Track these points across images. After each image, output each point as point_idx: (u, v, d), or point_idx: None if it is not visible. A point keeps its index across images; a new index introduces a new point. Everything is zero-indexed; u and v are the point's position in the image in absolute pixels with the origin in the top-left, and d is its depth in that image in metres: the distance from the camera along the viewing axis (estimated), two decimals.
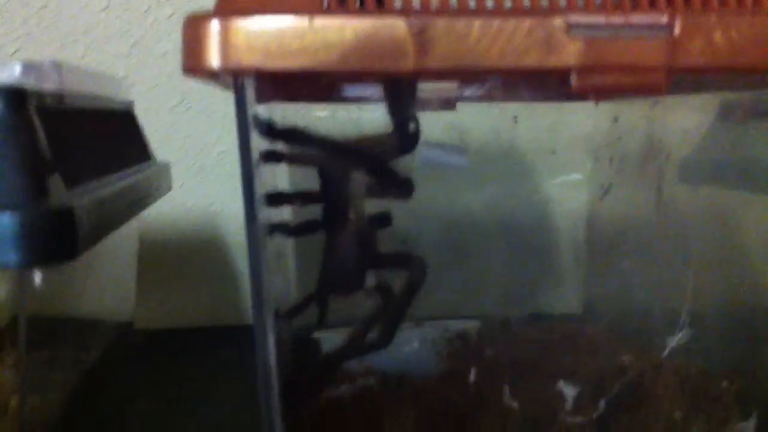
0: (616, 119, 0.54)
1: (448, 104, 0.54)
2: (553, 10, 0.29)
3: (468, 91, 0.53)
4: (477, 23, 0.28)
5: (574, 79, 0.29)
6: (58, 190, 0.31)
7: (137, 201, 0.42)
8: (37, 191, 0.30)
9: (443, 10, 0.29)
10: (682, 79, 0.42)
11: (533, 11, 0.29)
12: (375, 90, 0.42)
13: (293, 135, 0.34)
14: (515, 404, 0.41)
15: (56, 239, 0.29)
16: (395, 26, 0.28)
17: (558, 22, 0.28)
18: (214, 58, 0.29)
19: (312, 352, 0.47)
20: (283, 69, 0.29)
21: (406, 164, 0.46)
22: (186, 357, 0.62)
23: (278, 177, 0.51)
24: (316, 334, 0.51)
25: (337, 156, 0.37)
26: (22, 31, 0.70)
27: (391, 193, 0.38)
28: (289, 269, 0.53)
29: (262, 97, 0.39)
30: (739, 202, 0.46)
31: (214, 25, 0.29)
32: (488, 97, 0.54)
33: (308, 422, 0.40)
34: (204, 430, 0.50)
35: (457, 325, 0.53)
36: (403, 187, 0.38)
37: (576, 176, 0.59)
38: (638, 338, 0.48)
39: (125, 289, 0.52)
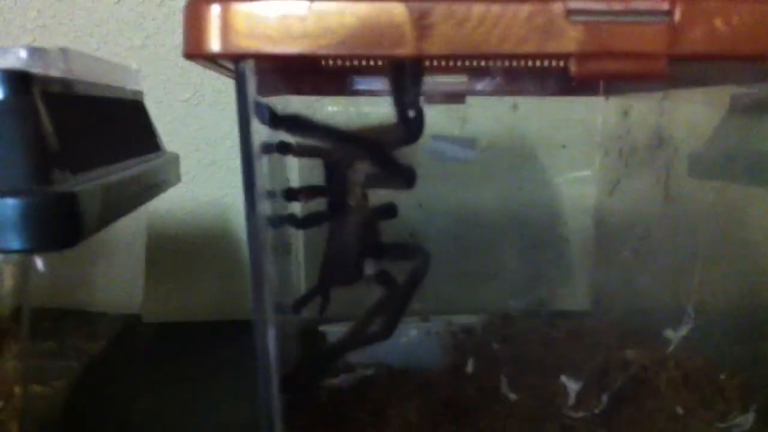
0: (625, 113, 0.54)
1: (458, 98, 0.54)
2: None
3: (477, 85, 0.53)
4: (476, 8, 0.28)
5: (573, 66, 0.28)
6: (61, 175, 0.31)
7: (144, 191, 0.41)
8: (40, 176, 0.30)
9: None
10: (691, 71, 0.42)
11: None
12: (382, 83, 0.42)
13: (295, 123, 0.34)
14: (513, 395, 0.40)
15: (59, 225, 0.29)
16: (395, 11, 0.28)
17: (558, 7, 0.28)
18: (214, 43, 0.29)
19: (316, 344, 0.47)
20: (284, 53, 0.29)
21: (414, 156, 0.47)
22: (194, 350, 0.63)
23: (291, 171, 0.51)
24: (323, 327, 0.51)
25: (339, 145, 0.37)
26: (36, 23, 0.70)
27: (393, 183, 0.38)
28: (299, 262, 0.53)
29: (269, 90, 0.39)
30: (745, 196, 0.46)
31: (215, 10, 0.29)
32: (497, 91, 0.54)
33: (309, 412, 0.40)
34: (210, 421, 0.51)
35: (462, 320, 0.53)
36: (406, 177, 0.37)
37: (585, 172, 0.58)
38: (644, 333, 0.48)
39: (133, 282, 0.52)
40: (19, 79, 0.31)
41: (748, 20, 0.28)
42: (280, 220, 0.45)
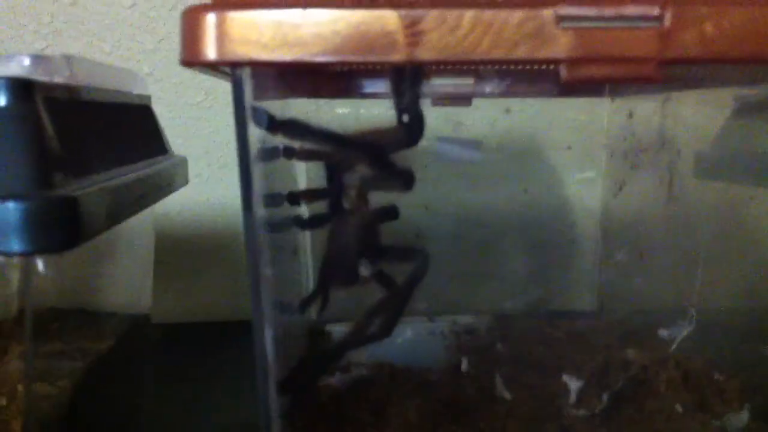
0: (630, 114, 0.54)
1: (464, 100, 0.55)
2: (543, 1, 0.29)
3: (483, 88, 0.53)
4: (468, 15, 0.28)
5: (564, 71, 0.29)
6: (63, 179, 0.32)
7: (149, 193, 0.42)
8: (42, 181, 0.31)
9: (436, 2, 0.29)
10: (693, 73, 0.42)
11: (524, 2, 0.29)
12: (385, 85, 0.42)
13: (292, 127, 0.34)
14: (513, 395, 0.41)
15: (59, 227, 0.30)
16: (387, 18, 0.28)
17: (548, 13, 0.28)
18: (210, 50, 0.29)
19: (317, 343, 0.47)
20: (278, 60, 0.29)
21: (420, 158, 0.47)
22: (203, 351, 0.63)
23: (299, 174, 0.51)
24: (329, 326, 0.52)
25: (336, 148, 0.38)
26: (50, 28, 0.71)
27: (392, 185, 0.39)
28: (307, 262, 0.54)
29: (274, 93, 0.39)
30: (749, 197, 0.46)
31: (211, 18, 0.29)
32: (503, 94, 0.55)
33: (309, 412, 0.40)
34: (216, 421, 0.51)
35: (466, 320, 0.53)
36: (404, 179, 0.38)
37: (591, 174, 0.58)
38: (646, 333, 0.48)
39: (141, 283, 0.52)
40: (22, 87, 0.31)
41: (737, 24, 0.28)
42: (286, 222, 0.46)
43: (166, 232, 0.73)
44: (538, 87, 0.54)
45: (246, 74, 0.31)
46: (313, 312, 0.42)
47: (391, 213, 0.42)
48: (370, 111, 0.55)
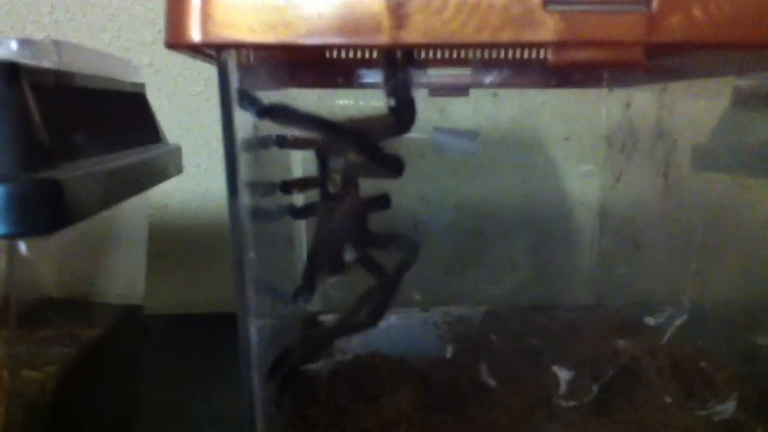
0: (628, 105, 0.53)
1: (461, 90, 0.54)
2: None
3: (480, 78, 0.53)
4: None
5: (550, 55, 0.28)
6: (48, 163, 0.31)
7: (139, 180, 0.42)
8: (27, 164, 0.30)
9: None
10: (691, 62, 0.41)
11: None
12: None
13: (280, 113, 0.34)
14: (504, 385, 0.41)
15: (42, 211, 0.30)
16: (372, 0, 0.28)
17: None
18: (195, 33, 0.29)
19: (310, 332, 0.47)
20: (263, 43, 0.29)
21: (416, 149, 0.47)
22: (203, 341, 0.63)
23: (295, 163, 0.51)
24: (322, 317, 0.52)
25: (324, 134, 0.37)
26: (50, 19, 0.71)
27: (381, 173, 0.38)
28: (302, 252, 0.54)
29: (270, 83, 0.39)
30: (742, 188, 0.46)
31: (195, 0, 0.29)
32: (501, 84, 0.54)
33: (302, 400, 0.40)
34: (213, 411, 0.51)
35: (461, 311, 0.53)
36: (393, 167, 0.38)
37: (589, 165, 0.58)
38: (641, 324, 0.48)
39: (134, 273, 0.52)
40: (8, 70, 0.31)
41: (725, 9, 0.27)
42: (280, 211, 0.46)
43: (165, 223, 0.73)
44: (536, 78, 0.54)
45: (231, 57, 0.31)
46: (301, 301, 0.42)
47: (382, 202, 0.42)
48: (369, 103, 0.55)
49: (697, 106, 0.48)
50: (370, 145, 0.36)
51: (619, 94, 0.54)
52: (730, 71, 0.42)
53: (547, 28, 0.28)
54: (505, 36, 0.28)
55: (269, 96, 0.38)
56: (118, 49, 0.72)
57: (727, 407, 0.38)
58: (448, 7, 0.28)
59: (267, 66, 0.38)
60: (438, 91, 0.53)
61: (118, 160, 0.39)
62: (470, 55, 0.38)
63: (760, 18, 0.28)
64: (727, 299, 0.46)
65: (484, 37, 0.28)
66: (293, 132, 0.42)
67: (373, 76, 0.51)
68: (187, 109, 0.73)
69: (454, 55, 0.43)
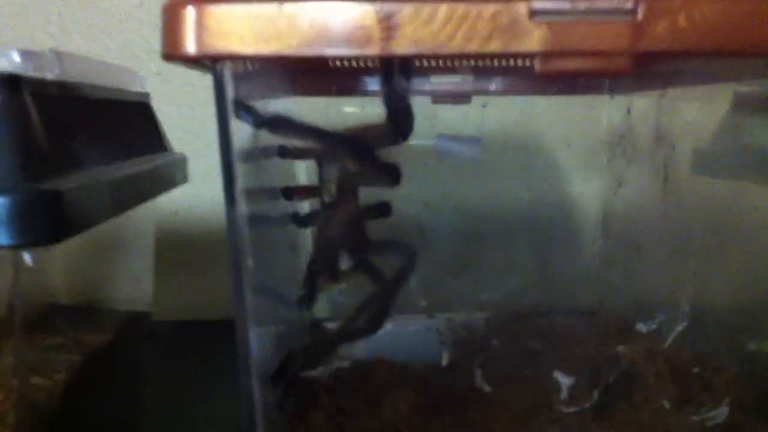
0: (628, 110, 0.53)
1: (463, 98, 0.55)
2: None
3: (483, 86, 0.53)
4: (442, 9, 0.28)
5: (538, 64, 0.29)
6: (50, 174, 0.32)
7: (142, 189, 0.42)
8: (29, 175, 0.31)
9: None
10: (689, 68, 0.42)
11: None
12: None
13: (277, 123, 0.35)
14: (505, 389, 0.41)
15: (44, 222, 0.30)
16: (362, 11, 0.29)
17: (521, 7, 0.28)
18: (190, 45, 0.30)
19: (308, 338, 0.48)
20: (256, 54, 0.30)
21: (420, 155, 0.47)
22: (206, 348, 0.64)
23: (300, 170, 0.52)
24: (327, 323, 0.52)
25: (320, 143, 0.38)
26: (58, 27, 0.72)
27: (377, 181, 0.39)
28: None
29: (273, 92, 0.40)
30: (741, 191, 0.46)
31: (190, 12, 0.30)
32: (503, 91, 0.55)
33: (303, 404, 0.41)
34: (217, 417, 0.52)
35: (464, 316, 0.54)
36: (391, 175, 0.38)
37: (591, 170, 0.58)
38: (645, 329, 0.48)
39: (141, 280, 0.53)
40: (9, 82, 0.32)
41: (710, 17, 0.28)
42: (283, 218, 0.46)
43: (173, 230, 0.74)
44: (538, 85, 0.54)
45: (227, 69, 0.31)
46: (303, 309, 0.42)
47: (383, 210, 0.42)
48: (375, 110, 0.55)
49: (697, 110, 0.48)
50: (366, 154, 0.37)
51: (620, 100, 0.55)
52: (728, 78, 0.42)
53: (535, 38, 0.28)
54: (493, 46, 0.28)
55: (273, 104, 0.39)
56: (126, 57, 0.73)
57: (721, 412, 0.39)
58: (436, 18, 0.28)
59: (268, 74, 0.39)
60: (440, 98, 0.53)
61: (122, 169, 0.40)
62: (459, 64, 0.38)
63: (745, 26, 0.28)
64: (727, 302, 0.46)
65: (473, 47, 0.28)
66: (293, 141, 0.43)
67: (375, 83, 0.51)
68: (195, 116, 0.74)
69: (447, 65, 0.44)
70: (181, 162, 0.51)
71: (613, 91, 0.55)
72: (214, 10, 0.29)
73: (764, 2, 0.28)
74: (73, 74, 0.38)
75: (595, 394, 0.41)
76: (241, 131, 0.34)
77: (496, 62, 0.42)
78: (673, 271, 0.49)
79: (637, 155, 0.53)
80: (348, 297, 0.43)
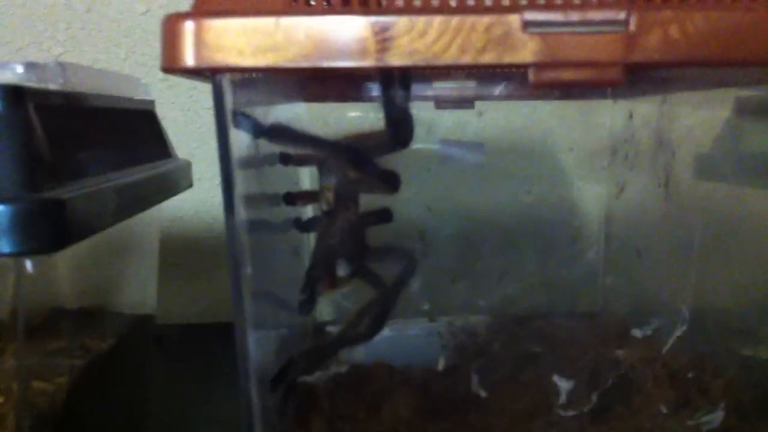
0: (631, 116, 0.54)
1: (466, 103, 0.55)
2: (510, 7, 0.29)
3: (486, 91, 0.53)
4: (436, 21, 0.29)
5: (531, 75, 0.29)
6: (53, 183, 0.33)
7: (146, 196, 0.43)
8: (32, 184, 0.31)
9: (407, 8, 0.30)
10: (689, 75, 0.42)
11: (491, 8, 0.29)
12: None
13: (276, 132, 0.35)
14: (505, 393, 0.41)
15: (47, 230, 0.31)
16: (357, 25, 0.29)
17: (515, 19, 0.29)
18: (189, 57, 0.30)
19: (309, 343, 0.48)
20: (254, 67, 0.30)
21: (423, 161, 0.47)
22: (211, 351, 0.64)
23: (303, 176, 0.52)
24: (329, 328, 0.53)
25: (320, 151, 0.38)
26: (66, 35, 0.72)
27: (376, 188, 0.39)
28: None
29: (275, 98, 0.40)
30: (742, 196, 0.46)
31: (189, 26, 0.30)
32: (505, 96, 0.55)
33: (299, 408, 0.41)
34: (223, 418, 0.52)
35: (466, 321, 0.54)
36: (390, 182, 0.38)
37: (594, 175, 0.59)
38: (646, 333, 0.48)
39: (145, 284, 0.53)
40: (13, 93, 0.32)
41: (701, 27, 0.28)
42: (285, 224, 0.47)
43: (179, 234, 0.74)
44: (541, 90, 0.54)
45: (226, 80, 0.32)
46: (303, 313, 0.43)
47: (383, 216, 0.43)
48: (378, 114, 0.55)
49: (698, 115, 0.49)
50: (365, 162, 0.37)
51: (623, 105, 0.55)
52: (728, 83, 0.43)
53: (528, 49, 0.29)
54: (487, 58, 0.29)
55: (275, 111, 0.39)
56: (133, 64, 0.73)
57: (717, 416, 0.39)
58: (431, 31, 0.29)
59: (269, 81, 0.39)
60: (443, 103, 0.54)
61: (126, 177, 0.40)
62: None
63: (736, 37, 0.28)
64: (726, 307, 0.46)
65: (467, 59, 0.29)
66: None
67: (376, 89, 0.52)
68: (201, 122, 0.74)
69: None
70: (186, 168, 0.51)
71: (615, 96, 0.55)
72: (213, 24, 0.30)
73: (755, 13, 0.28)
74: (77, 84, 0.39)
75: (594, 397, 0.41)
76: (243, 139, 0.35)
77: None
78: (673, 275, 0.49)
79: (638, 160, 0.53)
80: (352, 301, 0.44)
